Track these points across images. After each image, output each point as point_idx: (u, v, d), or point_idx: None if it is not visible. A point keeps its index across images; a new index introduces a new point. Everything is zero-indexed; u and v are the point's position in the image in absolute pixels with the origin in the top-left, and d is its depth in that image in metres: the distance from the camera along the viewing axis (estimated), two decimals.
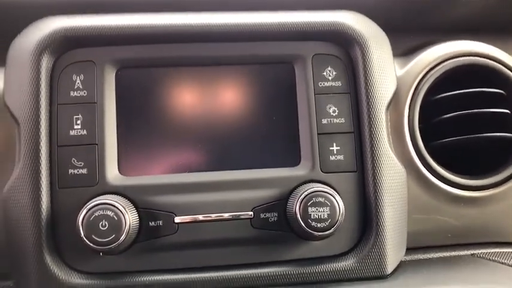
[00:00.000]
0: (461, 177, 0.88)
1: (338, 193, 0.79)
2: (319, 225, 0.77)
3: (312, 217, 0.77)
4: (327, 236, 0.79)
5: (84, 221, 0.74)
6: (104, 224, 0.74)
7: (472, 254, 0.89)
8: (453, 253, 0.89)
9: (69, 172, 0.80)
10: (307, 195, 0.78)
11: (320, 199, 0.78)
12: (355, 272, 0.81)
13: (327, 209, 0.77)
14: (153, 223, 0.80)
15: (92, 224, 0.74)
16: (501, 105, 0.89)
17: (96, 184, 0.80)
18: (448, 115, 0.87)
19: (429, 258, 0.88)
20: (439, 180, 0.87)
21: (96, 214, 0.75)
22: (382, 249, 0.82)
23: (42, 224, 0.78)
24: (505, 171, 0.89)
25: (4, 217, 0.80)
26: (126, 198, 0.79)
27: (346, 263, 0.82)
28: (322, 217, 0.77)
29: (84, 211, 0.75)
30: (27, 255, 0.78)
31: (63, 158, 0.80)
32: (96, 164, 0.80)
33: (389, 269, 0.82)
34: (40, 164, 0.79)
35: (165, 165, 0.82)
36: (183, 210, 0.80)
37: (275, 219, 0.82)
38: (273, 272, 0.81)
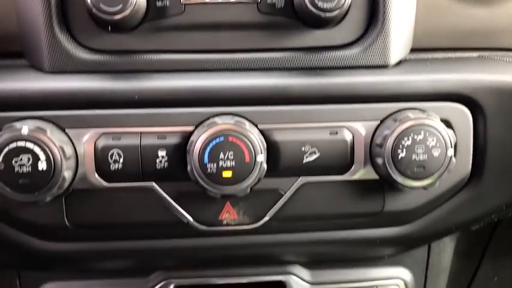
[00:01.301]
0: None
1: None
2: (326, 5, 0.77)
3: None
4: (334, 19, 0.79)
5: None
6: None
7: (478, 56, 0.89)
8: (459, 54, 0.89)
9: None
10: None
11: None
12: (358, 60, 0.82)
13: None
14: (160, 3, 0.80)
15: None
16: None
17: None
18: None
19: (434, 58, 0.89)
20: None
21: None
22: (387, 40, 0.82)
23: (52, 1, 0.79)
24: None
25: None
26: None
27: (350, 52, 0.82)
28: None
29: None
30: (38, 32, 0.80)
31: None
32: None
33: (393, 60, 0.83)
34: None
35: None
36: None
37: (282, 5, 0.82)
38: (277, 57, 0.82)
